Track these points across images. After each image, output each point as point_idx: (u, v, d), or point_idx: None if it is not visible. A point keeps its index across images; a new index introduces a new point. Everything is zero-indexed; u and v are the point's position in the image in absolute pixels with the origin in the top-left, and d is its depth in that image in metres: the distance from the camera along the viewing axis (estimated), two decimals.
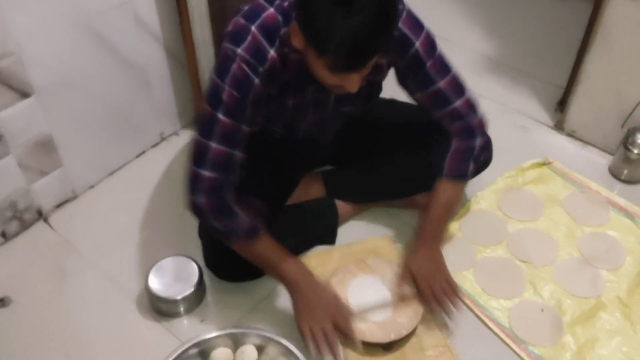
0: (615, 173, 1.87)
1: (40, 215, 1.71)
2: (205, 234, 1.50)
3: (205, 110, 1.27)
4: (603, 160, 1.92)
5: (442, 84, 1.38)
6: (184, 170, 1.33)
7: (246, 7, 1.25)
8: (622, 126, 1.85)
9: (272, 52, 1.23)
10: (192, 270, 1.51)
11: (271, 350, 1.34)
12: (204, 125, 1.27)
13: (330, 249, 1.64)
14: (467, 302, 1.51)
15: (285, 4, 1.23)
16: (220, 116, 1.24)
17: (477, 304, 1.52)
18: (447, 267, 1.45)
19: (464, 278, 1.57)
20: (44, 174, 1.66)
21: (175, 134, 1.98)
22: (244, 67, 1.22)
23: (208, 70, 1.81)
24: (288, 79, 1.31)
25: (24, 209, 1.66)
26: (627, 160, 1.82)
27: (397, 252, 1.62)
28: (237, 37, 1.22)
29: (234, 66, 1.22)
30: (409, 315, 1.42)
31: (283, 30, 1.23)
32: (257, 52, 1.22)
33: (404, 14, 1.31)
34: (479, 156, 1.48)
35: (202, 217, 1.33)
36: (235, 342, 1.36)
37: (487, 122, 1.49)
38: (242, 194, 1.38)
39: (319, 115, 1.46)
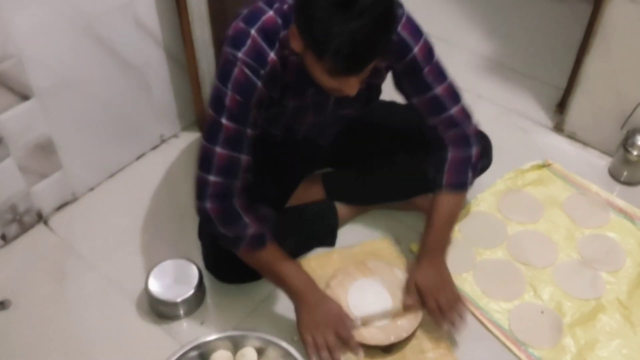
0: (615, 175, 1.87)
1: (40, 218, 1.71)
2: (205, 235, 1.50)
3: (210, 116, 1.27)
4: (603, 162, 1.92)
5: (438, 90, 1.38)
6: (186, 174, 1.33)
7: (245, 11, 1.25)
8: (622, 128, 1.85)
9: (272, 55, 1.23)
10: (192, 273, 1.51)
11: (271, 353, 1.34)
12: (209, 131, 1.28)
13: (330, 251, 1.64)
14: (467, 304, 1.51)
15: (285, 6, 1.24)
16: (224, 121, 1.25)
17: (477, 306, 1.52)
18: (453, 279, 1.44)
19: (464, 280, 1.57)
20: (43, 176, 1.66)
21: (175, 136, 1.98)
22: (246, 70, 1.22)
23: (208, 72, 1.81)
24: (288, 82, 1.31)
25: (24, 212, 1.66)
26: (627, 161, 1.82)
27: (397, 254, 1.62)
28: (237, 40, 1.22)
29: (236, 70, 1.22)
30: (409, 317, 1.42)
31: (283, 33, 1.23)
32: (258, 55, 1.22)
33: (404, 19, 1.31)
34: (476, 164, 1.47)
35: (209, 223, 1.33)
36: (235, 345, 1.36)
37: (484, 133, 1.49)
38: (247, 198, 1.38)
39: (318, 117, 1.46)
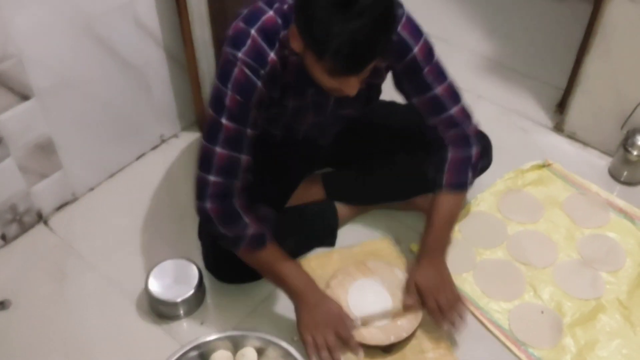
0: (615, 175, 1.87)
1: (40, 218, 1.71)
2: (205, 235, 1.50)
3: (210, 116, 1.27)
4: (603, 162, 1.92)
5: (438, 90, 1.38)
6: (185, 173, 1.33)
7: (245, 11, 1.26)
8: (622, 128, 1.85)
9: (272, 55, 1.23)
10: (192, 273, 1.51)
11: (271, 353, 1.34)
12: (209, 131, 1.28)
13: (330, 251, 1.64)
14: (467, 304, 1.51)
15: (285, 6, 1.24)
16: (224, 121, 1.25)
17: (477, 306, 1.52)
18: (453, 281, 1.44)
19: (464, 280, 1.57)
20: (43, 176, 1.66)
21: (175, 136, 1.98)
22: (246, 70, 1.22)
23: (208, 72, 1.81)
24: (288, 82, 1.31)
25: (24, 212, 1.66)
26: (627, 161, 1.82)
27: (397, 254, 1.62)
28: (237, 40, 1.22)
29: (236, 70, 1.22)
30: (409, 317, 1.42)
31: (283, 33, 1.23)
32: (258, 55, 1.22)
33: (404, 19, 1.31)
34: (476, 164, 1.47)
35: (209, 223, 1.33)
36: (235, 345, 1.36)
37: (484, 133, 1.48)
38: (247, 198, 1.38)
39: (318, 117, 1.46)
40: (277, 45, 1.23)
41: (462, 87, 1.45)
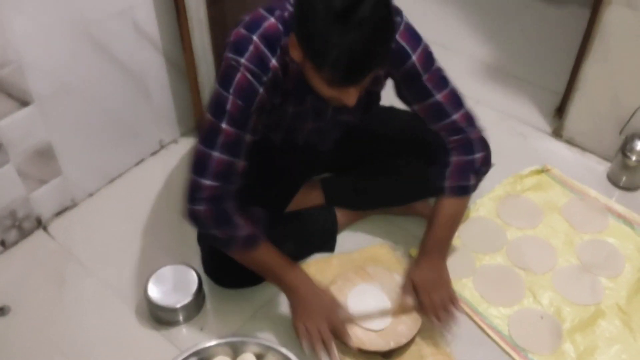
0: (613, 180, 1.88)
1: (40, 224, 1.71)
2: (205, 241, 1.50)
3: (208, 120, 1.27)
4: (601, 167, 1.92)
5: (439, 97, 1.38)
6: (184, 179, 1.33)
7: (247, 18, 1.26)
8: (620, 133, 1.86)
9: (273, 61, 1.24)
10: (191, 279, 1.51)
11: (270, 359, 1.34)
12: (206, 135, 1.27)
13: (329, 257, 1.64)
14: (467, 310, 1.51)
15: (286, 13, 1.24)
16: (224, 126, 1.25)
17: (477, 311, 1.52)
18: (450, 280, 1.45)
19: (464, 286, 1.57)
20: (43, 182, 1.66)
21: (175, 141, 1.99)
22: (249, 76, 1.22)
23: (207, 78, 1.81)
24: (288, 88, 1.31)
25: (24, 218, 1.66)
26: (626, 167, 1.82)
27: (397, 260, 1.62)
28: (240, 46, 1.23)
29: (239, 75, 1.22)
30: (409, 323, 1.42)
31: (284, 40, 1.23)
32: (261, 62, 1.23)
33: (402, 26, 1.31)
34: (480, 169, 1.47)
35: (200, 225, 1.33)
36: (235, 351, 1.36)
37: (487, 138, 1.48)
38: (242, 202, 1.38)
39: (318, 123, 1.47)
40: (278, 51, 1.24)
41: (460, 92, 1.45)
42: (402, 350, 1.42)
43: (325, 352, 1.32)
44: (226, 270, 1.49)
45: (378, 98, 1.57)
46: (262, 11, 1.25)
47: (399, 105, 1.58)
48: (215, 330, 1.48)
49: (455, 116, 1.41)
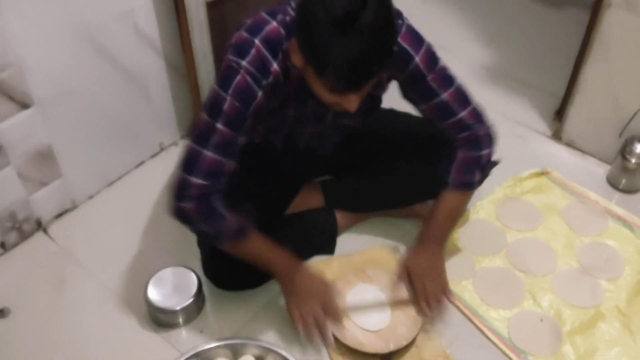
0: (613, 182, 1.88)
1: (40, 226, 1.71)
2: (204, 243, 1.50)
3: (203, 119, 1.27)
4: (601, 170, 1.92)
5: (445, 96, 1.38)
6: (172, 176, 1.33)
7: (249, 21, 1.26)
8: (620, 135, 1.86)
9: (275, 66, 1.24)
10: (191, 281, 1.51)
11: None
12: (200, 133, 1.27)
13: (329, 259, 1.64)
14: (466, 312, 1.51)
15: (287, 18, 1.24)
16: (220, 126, 1.25)
17: (476, 314, 1.52)
18: (445, 270, 1.46)
19: (463, 288, 1.57)
20: (43, 184, 1.66)
21: (175, 144, 1.99)
22: (248, 79, 1.23)
23: (207, 81, 1.82)
24: (289, 92, 1.31)
25: (24, 220, 1.66)
26: (625, 169, 1.82)
27: (397, 262, 1.62)
28: (242, 49, 1.23)
29: (238, 77, 1.23)
30: (409, 325, 1.42)
31: (286, 44, 1.23)
32: (262, 65, 1.23)
33: (404, 28, 1.31)
34: (486, 165, 1.48)
35: (188, 222, 1.34)
36: (235, 353, 1.36)
37: (496, 135, 1.48)
38: (240, 201, 1.38)
39: (318, 127, 1.47)
40: (280, 56, 1.24)
41: None
42: (402, 353, 1.41)
43: (320, 336, 1.34)
44: (226, 272, 1.49)
45: (379, 102, 1.57)
46: (264, 15, 1.25)
47: (399, 107, 1.59)
48: (215, 332, 1.48)
49: (463, 114, 1.41)
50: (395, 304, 1.46)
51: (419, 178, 1.58)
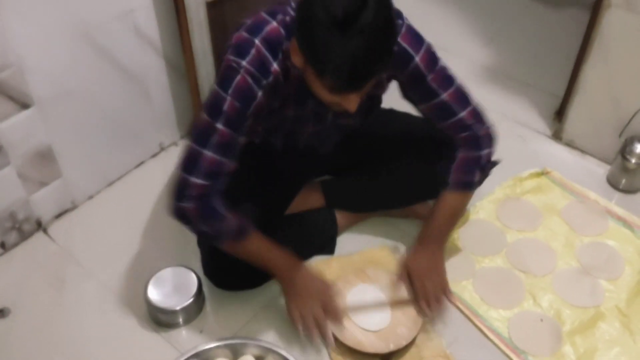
0: (613, 182, 1.88)
1: (40, 226, 1.71)
2: (204, 243, 1.50)
3: (203, 119, 1.27)
4: (601, 170, 1.92)
5: (445, 96, 1.38)
6: (171, 176, 1.33)
7: (249, 21, 1.26)
8: (620, 135, 1.86)
9: (275, 66, 1.24)
10: (191, 281, 1.51)
11: None
12: (200, 133, 1.27)
13: (329, 259, 1.64)
14: (466, 312, 1.51)
15: (287, 18, 1.24)
16: (220, 126, 1.25)
17: (476, 314, 1.52)
18: (445, 270, 1.47)
19: (463, 288, 1.57)
20: (43, 184, 1.66)
21: (175, 144, 1.99)
22: (249, 79, 1.23)
23: (207, 81, 1.82)
24: (289, 92, 1.31)
25: (24, 220, 1.66)
26: (625, 169, 1.82)
27: (397, 262, 1.62)
28: (242, 49, 1.23)
29: (239, 77, 1.22)
30: (409, 325, 1.42)
31: (286, 44, 1.23)
32: (262, 66, 1.23)
33: (404, 28, 1.31)
34: (486, 165, 1.48)
35: (187, 222, 1.34)
36: (235, 353, 1.36)
37: (496, 135, 1.48)
38: (240, 201, 1.38)
39: (318, 127, 1.47)
40: (280, 55, 1.24)
41: None
42: (402, 353, 1.41)
43: (320, 335, 1.35)
44: (226, 272, 1.49)
45: (379, 102, 1.57)
46: (264, 15, 1.25)
47: (399, 107, 1.59)
48: (215, 332, 1.48)
49: (462, 114, 1.41)
50: (395, 304, 1.46)
51: (419, 178, 1.58)
